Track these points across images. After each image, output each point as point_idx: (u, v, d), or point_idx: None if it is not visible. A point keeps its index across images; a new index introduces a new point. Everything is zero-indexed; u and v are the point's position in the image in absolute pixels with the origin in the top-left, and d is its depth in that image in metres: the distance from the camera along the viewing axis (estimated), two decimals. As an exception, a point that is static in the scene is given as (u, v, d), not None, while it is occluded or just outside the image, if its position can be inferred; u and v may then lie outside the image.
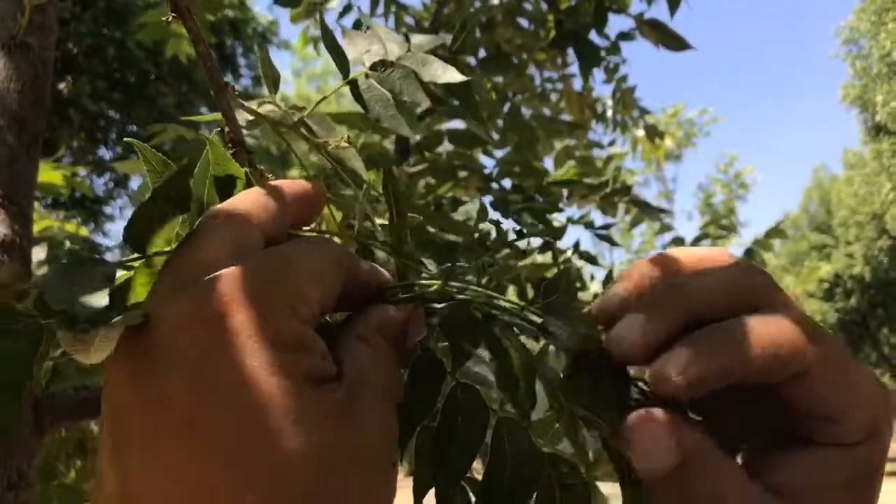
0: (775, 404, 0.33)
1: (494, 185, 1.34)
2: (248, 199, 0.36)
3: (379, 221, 0.48)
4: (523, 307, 0.40)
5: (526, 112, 1.94)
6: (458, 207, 1.15)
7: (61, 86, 8.93)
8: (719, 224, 2.56)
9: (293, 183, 0.38)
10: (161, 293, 0.31)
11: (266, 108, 0.49)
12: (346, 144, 0.49)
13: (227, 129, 0.45)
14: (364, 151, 1.21)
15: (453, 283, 0.40)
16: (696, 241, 2.56)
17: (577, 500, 0.40)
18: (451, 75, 0.51)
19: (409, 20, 2.06)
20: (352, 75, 0.51)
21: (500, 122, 1.83)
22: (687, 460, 0.30)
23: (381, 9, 1.98)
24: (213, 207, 0.36)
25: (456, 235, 1.11)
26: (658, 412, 0.31)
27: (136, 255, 0.35)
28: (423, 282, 0.40)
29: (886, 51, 14.99)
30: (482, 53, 1.76)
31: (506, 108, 1.81)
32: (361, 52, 0.52)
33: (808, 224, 31.14)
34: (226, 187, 0.40)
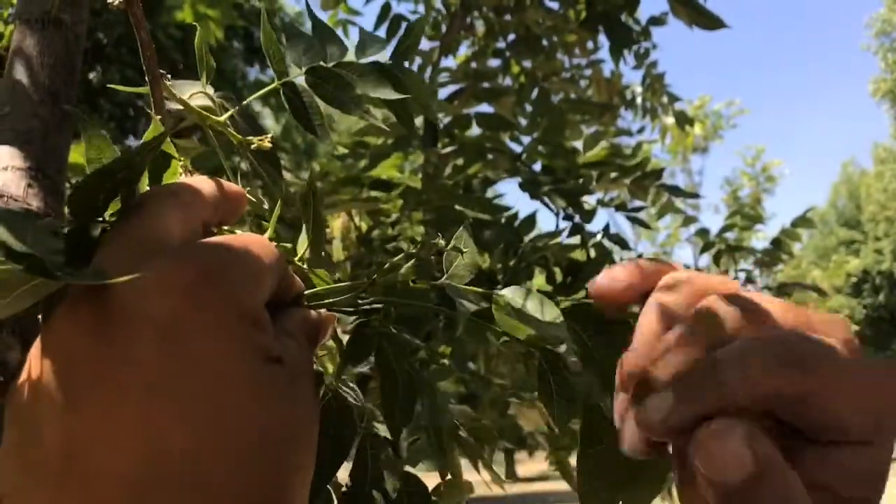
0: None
1: (523, 167, 1.33)
2: (193, 186, 0.38)
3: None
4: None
5: (554, 98, 1.93)
6: (487, 188, 1.15)
7: (91, 75, 9.03)
8: (744, 214, 2.54)
9: (225, 182, 0.41)
10: (121, 257, 0.32)
11: (198, 101, 0.50)
12: (269, 144, 0.50)
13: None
14: (394, 132, 1.21)
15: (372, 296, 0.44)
16: (722, 233, 2.53)
17: None
18: (384, 92, 0.52)
19: (438, 5, 2.05)
20: (290, 77, 0.51)
21: (527, 108, 1.82)
22: (763, 472, 0.31)
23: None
24: (164, 185, 0.39)
25: (485, 214, 1.11)
26: (735, 422, 0.31)
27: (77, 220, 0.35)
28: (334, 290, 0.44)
29: (920, 43, 14.73)
30: (511, 36, 1.75)
31: (534, 92, 1.80)
32: (300, 53, 0.52)
33: (836, 219, 30.79)
34: (159, 167, 0.42)
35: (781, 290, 2.58)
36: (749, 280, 2.56)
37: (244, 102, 0.51)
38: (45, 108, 0.97)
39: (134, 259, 0.31)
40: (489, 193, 1.26)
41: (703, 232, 2.62)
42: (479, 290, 0.45)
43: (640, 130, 2.90)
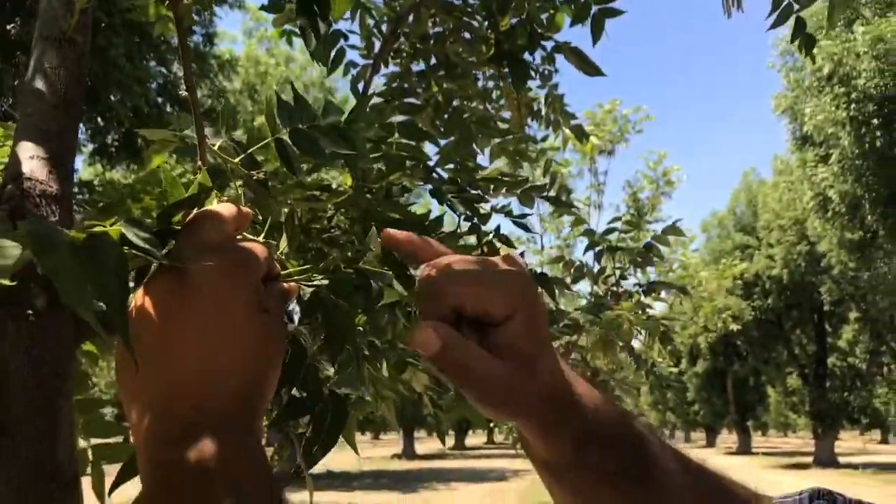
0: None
1: (435, 176, 1.64)
2: (224, 209, 0.60)
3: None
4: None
5: (466, 109, 2.24)
6: (405, 193, 1.45)
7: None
8: (627, 221, 2.93)
9: (240, 206, 0.62)
10: (189, 250, 0.55)
11: (219, 143, 0.78)
12: (263, 176, 0.79)
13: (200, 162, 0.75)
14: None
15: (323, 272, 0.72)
16: (604, 235, 2.93)
17: (340, 419, 0.70)
18: (341, 147, 0.77)
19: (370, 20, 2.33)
20: (279, 134, 0.77)
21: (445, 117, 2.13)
22: (445, 344, 0.55)
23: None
24: (207, 208, 0.60)
25: (401, 216, 1.41)
26: (426, 322, 0.56)
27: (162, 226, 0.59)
28: (297, 272, 0.71)
29: (818, 65, 15.68)
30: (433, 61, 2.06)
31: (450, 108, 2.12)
32: (286, 118, 0.78)
33: (733, 224, 32.22)
34: (204, 197, 0.64)
35: (650, 288, 2.99)
36: (622, 277, 2.96)
37: (248, 151, 0.81)
38: (61, 112, 1.24)
39: (195, 252, 0.55)
40: (407, 197, 1.56)
41: (589, 232, 3.01)
42: (384, 271, 0.73)
43: (545, 139, 3.26)
